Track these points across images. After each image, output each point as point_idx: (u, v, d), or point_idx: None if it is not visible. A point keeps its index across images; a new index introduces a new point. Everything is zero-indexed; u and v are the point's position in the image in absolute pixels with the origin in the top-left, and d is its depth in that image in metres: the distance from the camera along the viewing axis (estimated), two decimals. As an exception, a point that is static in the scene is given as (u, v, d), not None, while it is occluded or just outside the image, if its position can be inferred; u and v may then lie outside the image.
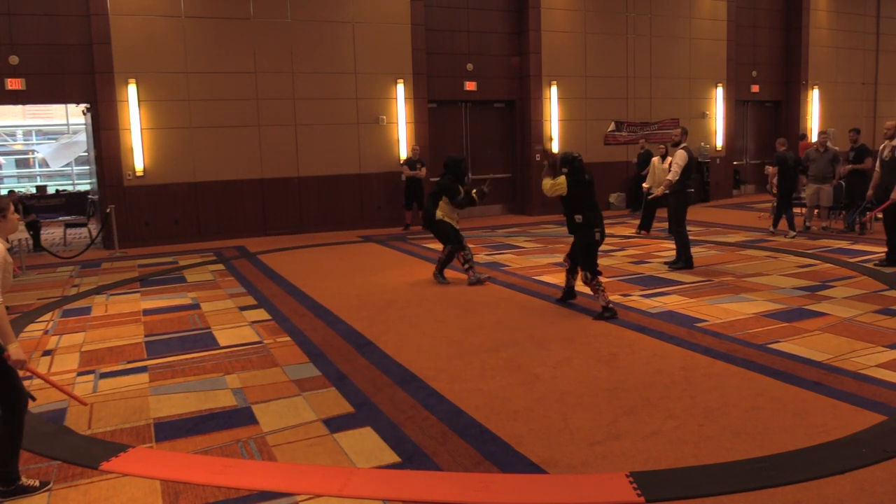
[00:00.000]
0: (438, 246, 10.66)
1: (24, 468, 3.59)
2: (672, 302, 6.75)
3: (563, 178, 6.54)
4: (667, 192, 8.57)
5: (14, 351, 3.24)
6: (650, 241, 10.78)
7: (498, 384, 4.64)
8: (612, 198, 15.18)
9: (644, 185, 11.74)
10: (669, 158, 11.04)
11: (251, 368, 5.13)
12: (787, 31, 18.59)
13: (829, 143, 11.12)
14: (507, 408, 4.22)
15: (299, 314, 6.78)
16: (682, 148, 8.44)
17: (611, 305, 6.34)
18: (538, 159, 14.71)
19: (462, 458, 3.57)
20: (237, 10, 12.30)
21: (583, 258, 6.51)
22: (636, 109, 16.14)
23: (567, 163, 6.59)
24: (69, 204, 16.48)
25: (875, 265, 8.31)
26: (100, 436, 4.01)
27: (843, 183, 11.23)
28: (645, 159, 13.95)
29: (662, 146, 11.72)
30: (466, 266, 8.07)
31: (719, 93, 17.10)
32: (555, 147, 15.03)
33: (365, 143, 13.40)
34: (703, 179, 16.81)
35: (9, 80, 11.07)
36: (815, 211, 11.41)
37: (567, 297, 7.01)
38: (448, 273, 8.33)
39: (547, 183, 6.61)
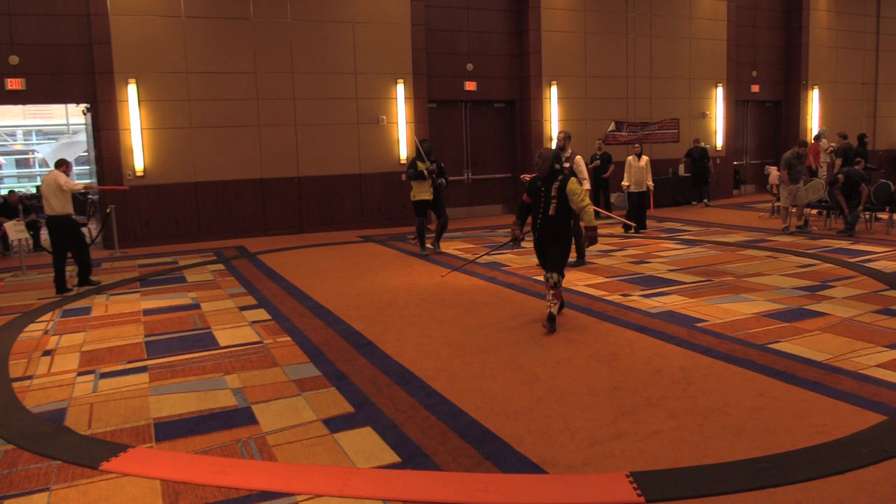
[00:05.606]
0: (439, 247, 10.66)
1: (25, 468, 3.60)
2: (672, 302, 6.75)
3: (575, 182, 5.99)
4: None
5: None
6: (650, 241, 10.78)
7: (498, 384, 4.64)
8: (613, 198, 15.16)
9: (623, 183, 12.04)
10: (645, 157, 11.63)
11: (251, 368, 5.13)
12: (787, 31, 18.59)
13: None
14: (507, 408, 4.22)
15: (299, 314, 6.77)
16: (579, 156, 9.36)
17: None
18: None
19: (462, 458, 3.57)
20: (237, 10, 12.30)
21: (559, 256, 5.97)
22: (636, 109, 16.14)
23: (557, 159, 6.00)
24: (69, 204, 16.44)
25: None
26: (100, 436, 4.00)
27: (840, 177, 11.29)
28: (605, 161, 14.13)
29: (638, 146, 12.34)
30: (412, 237, 8.92)
31: (719, 93, 17.10)
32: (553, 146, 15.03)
33: (365, 143, 13.40)
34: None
35: (9, 80, 11.07)
36: (793, 209, 11.49)
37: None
38: (448, 276, 8.34)
39: (584, 203, 5.98)
